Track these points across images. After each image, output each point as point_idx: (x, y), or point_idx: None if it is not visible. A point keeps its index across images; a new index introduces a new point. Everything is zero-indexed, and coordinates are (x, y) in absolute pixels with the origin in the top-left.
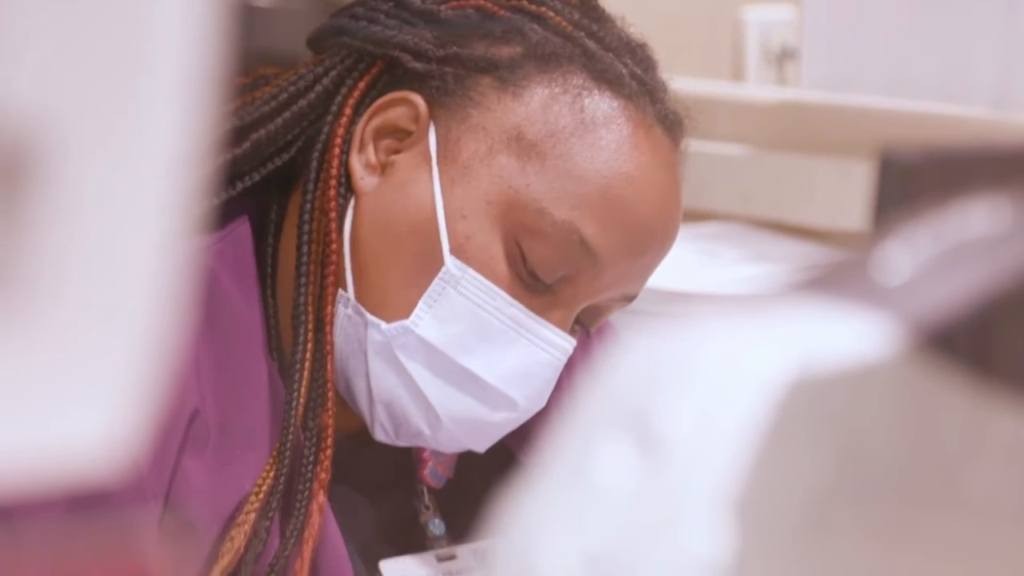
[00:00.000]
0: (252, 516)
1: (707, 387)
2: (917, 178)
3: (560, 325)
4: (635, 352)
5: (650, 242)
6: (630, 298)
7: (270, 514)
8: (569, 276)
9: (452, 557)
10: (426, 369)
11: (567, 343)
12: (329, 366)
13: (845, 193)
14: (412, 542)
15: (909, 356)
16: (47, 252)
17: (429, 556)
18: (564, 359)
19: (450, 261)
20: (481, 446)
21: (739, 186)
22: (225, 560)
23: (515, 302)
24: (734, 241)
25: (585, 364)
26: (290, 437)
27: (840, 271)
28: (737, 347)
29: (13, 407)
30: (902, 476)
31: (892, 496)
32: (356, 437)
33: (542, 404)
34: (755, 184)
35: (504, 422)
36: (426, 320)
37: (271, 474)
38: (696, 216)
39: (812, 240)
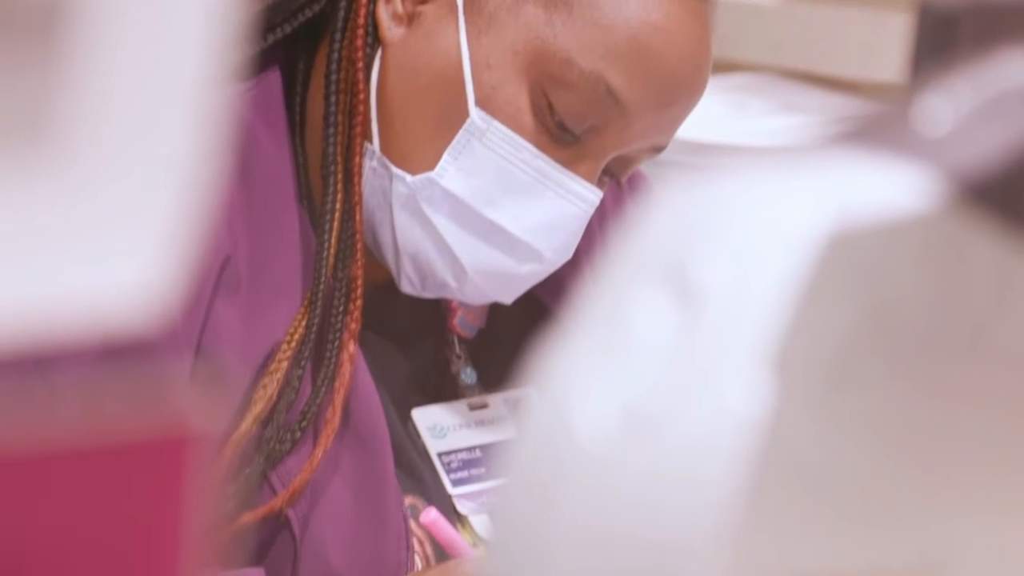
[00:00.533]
0: (284, 364)
1: (744, 239)
2: (956, 28)
3: (587, 177)
4: (671, 204)
5: (678, 92)
6: (659, 149)
7: (302, 363)
8: (596, 127)
9: (484, 406)
10: (451, 221)
11: (594, 195)
12: (358, 217)
13: (876, 44)
14: (444, 391)
15: (945, 209)
16: (83, 98)
17: (461, 405)
18: (591, 211)
19: (475, 113)
20: (507, 298)
21: (769, 37)
22: (257, 408)
23: (541, 154)
24: (763, 93)
25: (616, 215)
26: (321, 287)
27: (878, 123)
28: (774, 199)
29: (49, 254)
30: (931, 328)
31: (921, 348)
32: (385, 288)
33: (568, 256)
34: (785, 35)
35: (531, 274)
36: (451, 172)
37: (302, 323)
38: (725, 67)
39: (842, 92)
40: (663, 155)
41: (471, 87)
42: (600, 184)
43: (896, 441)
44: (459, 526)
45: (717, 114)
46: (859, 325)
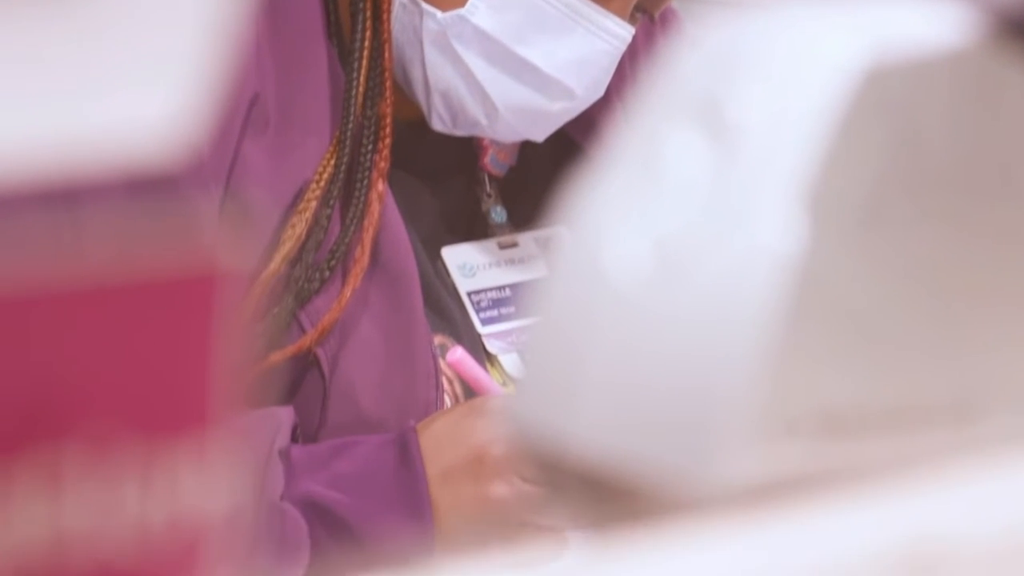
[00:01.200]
0: (313, 204)
1: (779, 75)
2: None
3: (619, 13)
4: (705, 40)
5: None
6: None
7: (331, 202)
8: None
9: (514, 245)
10: (482, 59)
11: (626, 31)
12: (387, 54)
13: None
14: (474, 230)
15: (980, 45)
16: None
17: (491, 243)
18: (623, 47)
19: None
20: (539, 136)
21: None
22: (286, 247)
23: None
24: None
25: (649, 52)
26: (350, 125)
27: None
28: (810, 34)
29: (75, 87)
30: (961, 165)
31: (951, 185)
32: (416, 126)
33: (600, 93)
34: None
35: (562, 112)
36: (481, 9)
37: (331, 161)
38: None
39: None
40: None
41: None
42: (632, 21)
43: (927, 279)
44: (488, 365)
45: None
46: (890, 162)
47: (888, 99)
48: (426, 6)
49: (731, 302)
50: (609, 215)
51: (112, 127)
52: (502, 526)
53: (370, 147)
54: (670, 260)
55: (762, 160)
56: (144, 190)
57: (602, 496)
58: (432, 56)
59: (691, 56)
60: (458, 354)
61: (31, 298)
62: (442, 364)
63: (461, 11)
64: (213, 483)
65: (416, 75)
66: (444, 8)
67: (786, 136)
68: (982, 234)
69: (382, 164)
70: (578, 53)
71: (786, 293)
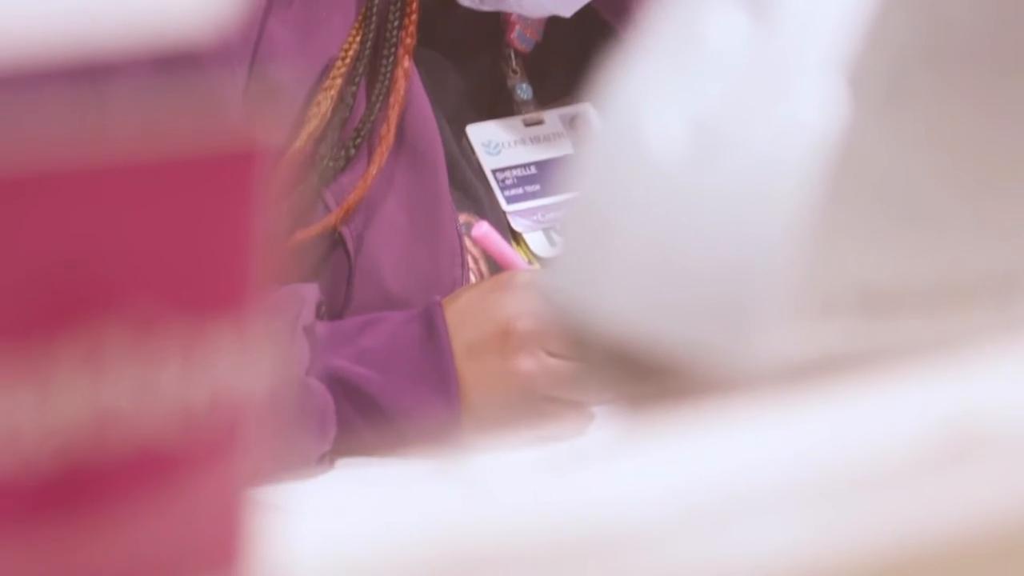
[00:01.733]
0: (339, 81)
1: None
2: None
3: None
4: None
5: None
6: None
7: (356, 79)
8: None
9: (539, 122)
10: None
11: None
12: None
13: None
14: (499, 107)
15: None
16: None
17: (516, 121)
18: None
19: None
20: (567, 11)
21: None
22: (311, 125)
23: None
24: None
25: None
26: (376, 1)
27: None
28: None
29: None
30: (987, 41)
31: (976, 61)
32: (443, 1)
33: None
34: None
35: None
36: None
37: (357, 38)
38: None
39: None
40: None
41: None
42: None
43: (961, 156)
44: (513, 243)
45: None
46: (916, 36)
47: None
48: None
49: (770, 178)
50: (646, 91)
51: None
52: (528, 400)
53: (396, 23)
54: (708, 136)
55: (802, 35)
56: (174, 66)
57: (635, 374)
58: None
59: None
60: (483, 229)
61: (67, 175)
62: (467, 242)
63: None
64: (252, 361)
65: None
66: None
67: (825, 10)
68: (1015, 110)
69: (408, 41)
70: None
71: (825, 169)
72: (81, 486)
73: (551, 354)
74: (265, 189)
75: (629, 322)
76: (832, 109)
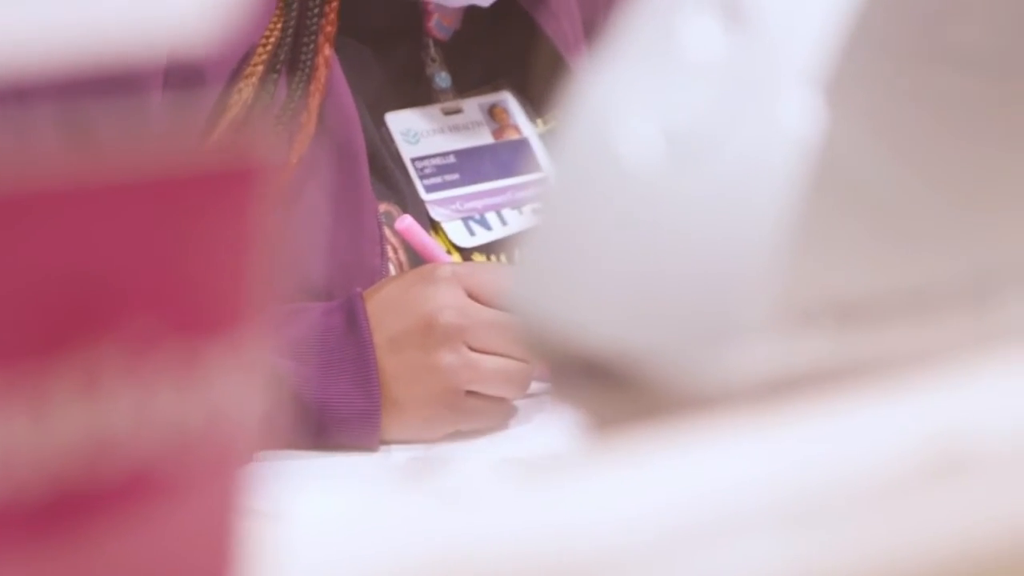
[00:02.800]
0: (260, 68)
1: None
2: None
3: None
4: None
5: None
6: None
7: (277, 66)
8: None
9: (458, 111)
10: None
11: None
12: None
13: None
14: (418, 95)
15: None
16: None
17: (434, 110)
18: None
19: None
20: (484, 0)
21: None
22: (233, 111)
23: None
24: None
25: None
26: None
27: None
28: None
29: None
30: (981, 50)
31: (966, 69)
32: None
33: None
34: None
35: None
36: None
37: (278, 26)
38: None
39: None
40: None
41: None
42: None
43: (937, 165)
44: (432, 232)
45: None
46: (905, 45)
47: None
48: None
49: (747, 187)
50: (620, 99)
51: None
52: (449, 395)
53: (317, 11)
54: (685, 145)
55: (779, 41)
56: (176, 80)
57: (605, 386)
58: None
59: None
60: (407, 222)
61: (62, 195)
62: (387, 231)
63: None
64: (248, 382)
65: None
66: None
67: (803, 18)
68: (998, 117)
69: (329, 28)
70: None
71: (803, 178)
72: (75, 509)
73: (473, 348)
74: (263, 209)
75: (601, 333)
76: (810, 118)
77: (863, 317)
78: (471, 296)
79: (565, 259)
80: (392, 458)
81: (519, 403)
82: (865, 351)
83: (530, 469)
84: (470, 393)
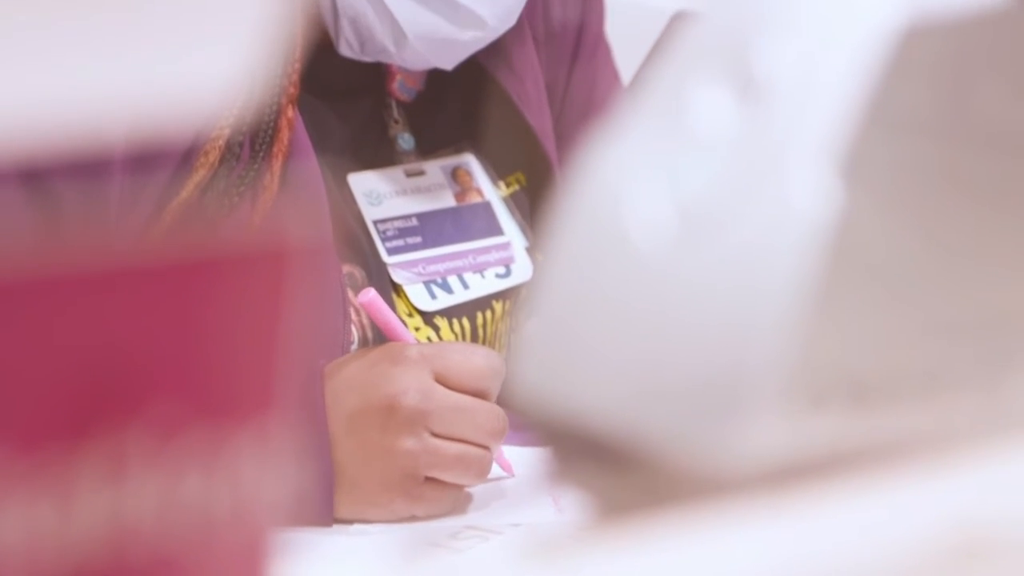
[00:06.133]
0: (226, 131)
1: (812, 30)
2: None
3: None
4: None
5: None
6: None
7: (243, 128)
8: None
9: (421, 173)
10: None
11: None
12: None
13: None
14: (381, 156)
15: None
16: None
17: (397, 171)
18: None
19: None
20: (448, 64)
21: None
22: (199, 175)
23: None
24: None
25: None
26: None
27: None
28: None
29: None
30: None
31: (984, 147)
32: (324, 49)
33: (512, 22)
34: None
35: (473, 41)
36: None
37: (244, 88)
38: None
39: None
40: None
41: None
42: None
43: (955, 238)
44: (394, 295)
45: None
46: (923, 123)
47: (930, 55)
48: None
49: (760, 267)
50: (631, 173)
51: (170, 89)
52: (406, 479)
53: (279, 72)
54: (696, 222)
55: (793, 118)
56: (137, 153)
57: (615, 469)
58: None
59: (717, 5)
60: (370, 296)
61: (86, 279)
62: (350, 294)
63: None
64: (275, 471)
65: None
66: None
67: (819, 94)
68: (1016, 193)
69: (292, 90)
70: None
71: (818, 257)
72: None
73: (435, 434)
74: (290, 293)
75: (608, 413)
76: (824, 196)
77: (878, 397)
78: (438, 379)
79: (572, 337)
80: (398, 535)
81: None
82: (880, 433)
83: (537, 551)
84: (428, 479)
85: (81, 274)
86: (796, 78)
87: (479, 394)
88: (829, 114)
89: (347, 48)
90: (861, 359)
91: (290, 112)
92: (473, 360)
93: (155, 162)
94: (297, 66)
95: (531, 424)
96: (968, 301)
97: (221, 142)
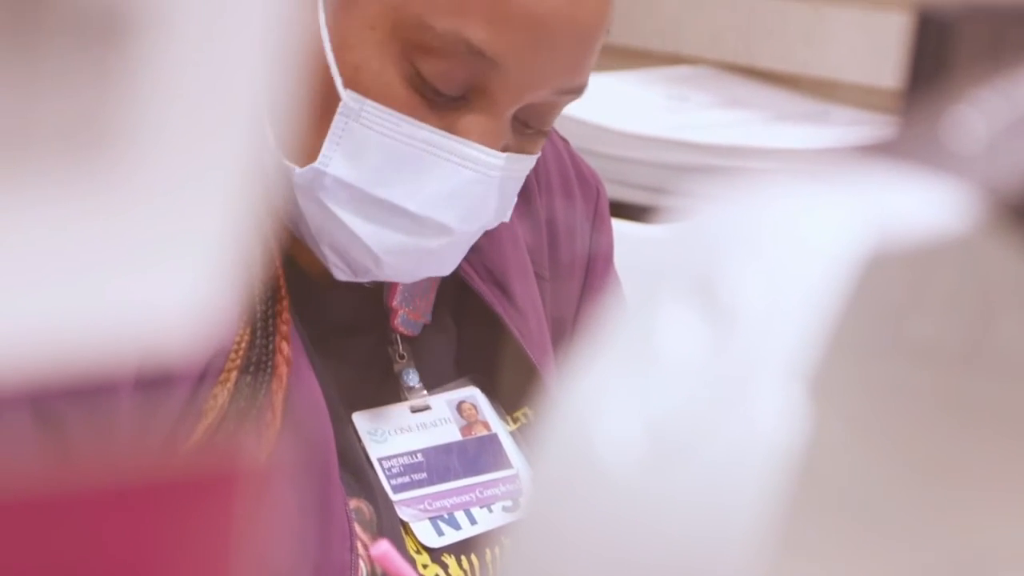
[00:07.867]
0: (234, 373)
1: (777, 256)
2: (956, 36)
3: (485, 138)
4: (700, 217)
5: (557, 32)
6: (576, 91)
7: (250, 368)
8: (477, 85)
9: (426, 408)
10: (349, 209)
11: (491, 156)
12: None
13: (819, 36)
14: (387, 390)
15: (979, 227)
16: (142, 109)
17: (403, 408)
18: (492, 173)
19: (346, 95)
20: (433, 272)
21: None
22: (209, 417)
23: (423, 124)
24: (705, 86)
25: (558, 169)
26: (253, 294)
27: (909, 136)
28: (806, 214)
29: (98, 266)
30: (958, 351)
31: (946, 370)
32: (325, 280)
33: (480, 223)
34: (727, 26)
35: (446, 246)
36: (336, 159)
37: (248, 329)
38: (667, 59)
39: (784, 86)
40: (675, 158)
41: (336, 70)
42: (527, 138)
43: (923, 461)
44: (402, 532)
45: (658, 106)
46: (884, 345)
47: (891, 283)
48: (287, 163)
49: (727, 489)
50: (600, 397)
51: (130, 312)
52: None
53: (271, 311)
54: (663, 445)
55: (757, 343)
56: (145, 383)
57: None
58: (309, 210)
59: (685, 233)
60: (383, 548)
61: (46, 502)
62: (357, 527)
63: (315, 164)
64: None
65: (305, 230)
66: (301, 163)
67: (782, 318)
68: (979, 414)
69: (283, 327)
70: (444, 187)
71: (785, 480)
72: None
73: None
74: (244, 512)
75: None
76: (792, 418)
77: None
78: None
79: (548, 558)
80: None
81: None
82: None
83: None
84: None
85: (38, 498)
86: (759, 304)
87: None
88: (793, 341)
89: (340, 273)
90: None
91: (285, 349)
92: None
93: (155, 400)
94: (285, 304)
95: None
96: (936, 513)
97: (229, 384)
